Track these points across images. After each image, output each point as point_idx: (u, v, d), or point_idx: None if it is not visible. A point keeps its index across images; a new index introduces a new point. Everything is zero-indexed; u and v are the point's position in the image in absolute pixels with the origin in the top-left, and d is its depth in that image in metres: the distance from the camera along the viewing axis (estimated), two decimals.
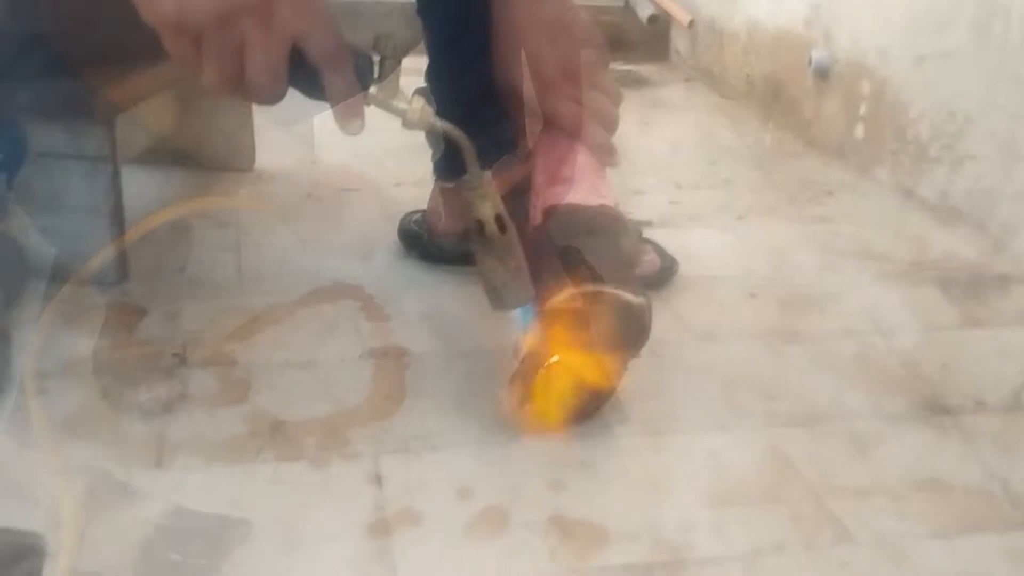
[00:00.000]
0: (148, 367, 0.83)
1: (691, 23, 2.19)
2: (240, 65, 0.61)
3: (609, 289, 0.73)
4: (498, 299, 0.75)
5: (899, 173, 1.45)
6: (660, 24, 2.29)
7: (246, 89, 0.62)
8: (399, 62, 0.67)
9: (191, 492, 0.68)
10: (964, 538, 0.68)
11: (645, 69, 2.27)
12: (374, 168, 1.39)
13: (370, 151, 1.48)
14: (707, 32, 2.16)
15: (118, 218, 0.96)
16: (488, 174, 0.73)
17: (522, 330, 0.75)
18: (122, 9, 0.78)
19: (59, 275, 0.95)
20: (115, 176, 0.94)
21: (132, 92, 1.00)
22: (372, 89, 0.67)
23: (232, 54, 0.60)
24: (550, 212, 0.80)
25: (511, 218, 0.75)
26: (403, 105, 0.68)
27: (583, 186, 0.80)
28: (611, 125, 0.83)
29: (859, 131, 1.56)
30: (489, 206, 0.73)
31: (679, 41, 2.32)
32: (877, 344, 0.96)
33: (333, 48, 0.63)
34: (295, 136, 1.41)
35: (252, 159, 1.35)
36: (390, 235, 1.12)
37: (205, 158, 1.33)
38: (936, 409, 0.85)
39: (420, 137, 1.03)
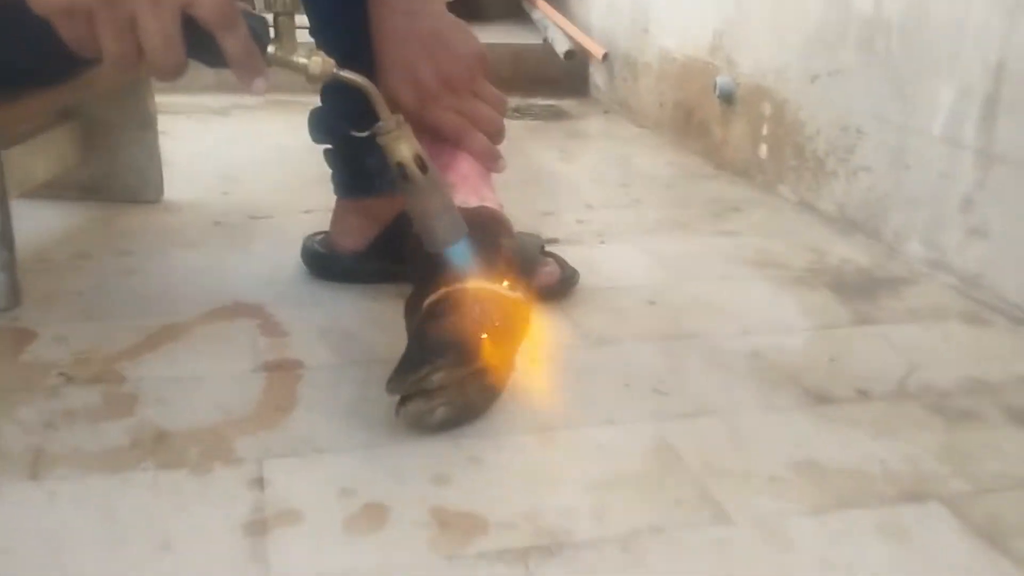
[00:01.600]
0: (32, 387, 0.82)
1: (605, 56, 2.24)
2: (135, 39, 0.61)
3: (482, 283, 0.74)
4: (433, 238, 0.75)
5: (800, 188, 1.50)
6: (577, 59, 2.34)
7: (146, 62, 0.63)
8: (292, 18, 0.68)
9: (64, 501, 0.67)
10: (839, 514, 0.70)
11: (566, 103, 2.32)
12: (284, 196, 1.40)
13: (282, 181, 1.49)
14: (622, 65, 2.21)
15: (7, 243, 0.95)
16: (400, 117, 0.73)
17: (459, 267, 0.75)
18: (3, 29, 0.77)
19: None
20: (2, 200, 0.93)
21: (22, 118, 0.99)
22: (270, 48, 0.68)
23: (125, 29, 0.60)
24: None
25: (403, 226, 0.76)
26: (303, 60, 0.69)
27: (463, 190, 0.81)
28: (494, 131, 0.85)
29: (763, 151, 1.61)
30: (407, 147, 0.73)
31: (597, 75, 2.38)
32: (769, 343, 0.98)
33: (224, 12, 0.63)
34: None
35: (160, 191, 1.35)
36: (296, 258, 1.12)
37: (111, 191, 1.33)
38: (821, 400, 0.87)
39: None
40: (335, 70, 0.70)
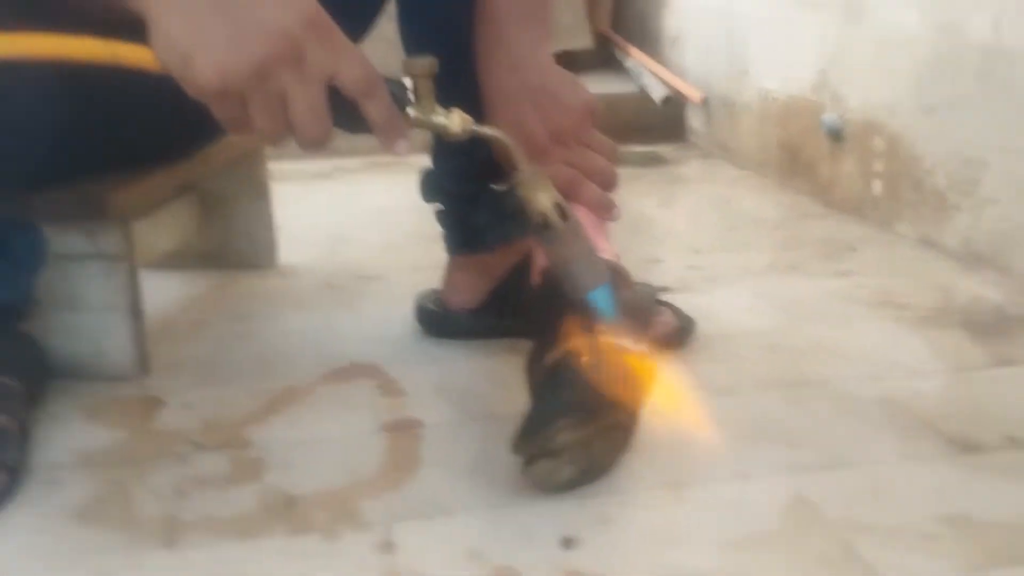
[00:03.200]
0: (163, 454, 0.84)
1: (703, 100, 2.22)
2: (285, 113, 0.63)
3: (603, 339, 0.72)
4: (575, 285, 0.74)
5: (920, 224, 1.44)
6: (674, 104, 2.33)
7: (295, 134, 0.64)
8: (429, 81, 0.69)
9: (199, 569, 0.67)
10: (997, 572, 0.65)
11: (663, 148, 2.30)
12: (392, 255, 1.42)
13: (389, 241, 1.51)
14: (720, 108, 2.19)
15: (137, 314, 0.98)
16: (538, 167, 0.73)
17: (601, 314, 0.73)
18: (140, 110, 0.81)
19: (79, 372, 0.97)
20: (132, 273, 0.97)
21: (146, 194, 1.03)
22: (409, 110, 0.69)
23: (275, 105, 0.62)
24: (546, 271, 0.80)
25: (516, 282, 0.75)
26: (442, 119, 0.70)
27: None
28: (607, 181, 0.84)
29: (876, 187, 1.55)
30: (546, 196, 0.72)
31: (694, 119, 2.36)
32: (902, 388, 0.94)
33: (366, 79, 0.65)
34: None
35: (273, 256, 1.38)
36: (408, 316, 1.13)
37: (228, 258, 1.36)
38: (966, 448, 0.82)
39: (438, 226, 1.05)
40: (473, 126, 0.71)
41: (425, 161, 1.04)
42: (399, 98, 0.68)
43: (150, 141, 0.92)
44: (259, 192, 1.35)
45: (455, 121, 0.69)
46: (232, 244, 1.36)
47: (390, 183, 1.88)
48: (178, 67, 0.61)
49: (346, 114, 0.65)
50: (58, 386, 0.95)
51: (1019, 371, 0.98)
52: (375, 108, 0.65)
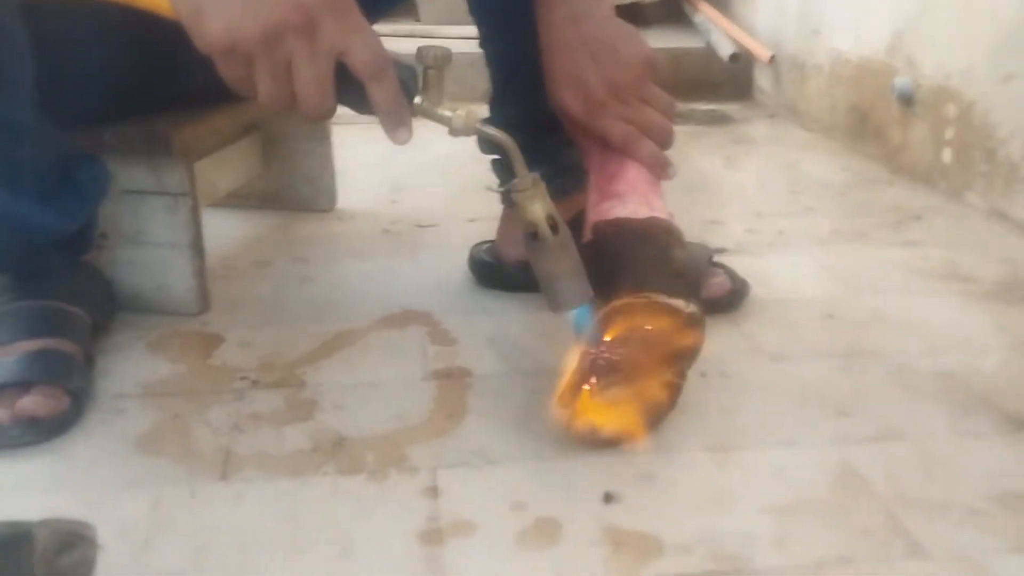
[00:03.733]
0: (221, 390, 0.86)
1: (772, 59, 2.17)
2: (290, 83, 0.63)
3: (655, 296, 0.72)
4: (555, 301, 0.74)
5: (991, 195, 1.40)
6: (742, 62, 2.28)
7: (298, 105, 0.65)
8: (442, 71, 0.69)
9: (251, 503, 0.69)
10: None
11: (729, 107, 2.26)
12: (451, 205, 1.42)
13: (448, 190, 1.52)
14: (789, 67, 2.14)
15: (198, 251, 1.00)
16: (537, 176, 0.73)
17: (581, 332, 0.74)
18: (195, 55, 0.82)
19: (143, 305, 1.00)
20: (195, 210, 0.99)
21: (210, 133, 1.05)
22: (417, 99, 0.69)
23: (281, 73, 0.63)
24: (597, 228, 0.80)
25: (575, 240, 0.76)
26: (448, 113, 0.70)
27: (632, 200, 0.80)
28: (664, 138, 0.83)
29: (947, 156, 1.51)
30: (540, 207, 0.73)
31: (762, 78, 2.31)
32: (961, 363, 0.92)
33: (376, 61, 0.65)
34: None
35: (333, 200, 1.40)
36: (462, 266, 1.14)
37: (288, 200, 1.38)
38: (1022, 426, 0.80)
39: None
40: (478, 125, 0.71)
41: (484, 111, 1.04)
42: (408, 85, 0.68)
43: (203, 85, 0.94)
44: (321, 136, 1.36)
45: (459, 117, 0.69)
46: (293, 186, 1.38)
47: None
48: (190, 18, 0.62)
49: (353, 93, 0.65)
50: (122, 318, 0.98)
51: None
52: (381, 92, 0.65)
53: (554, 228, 0.73)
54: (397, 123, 0.67)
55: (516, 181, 0.73)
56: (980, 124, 1.42)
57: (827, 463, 0.75)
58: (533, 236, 0.74)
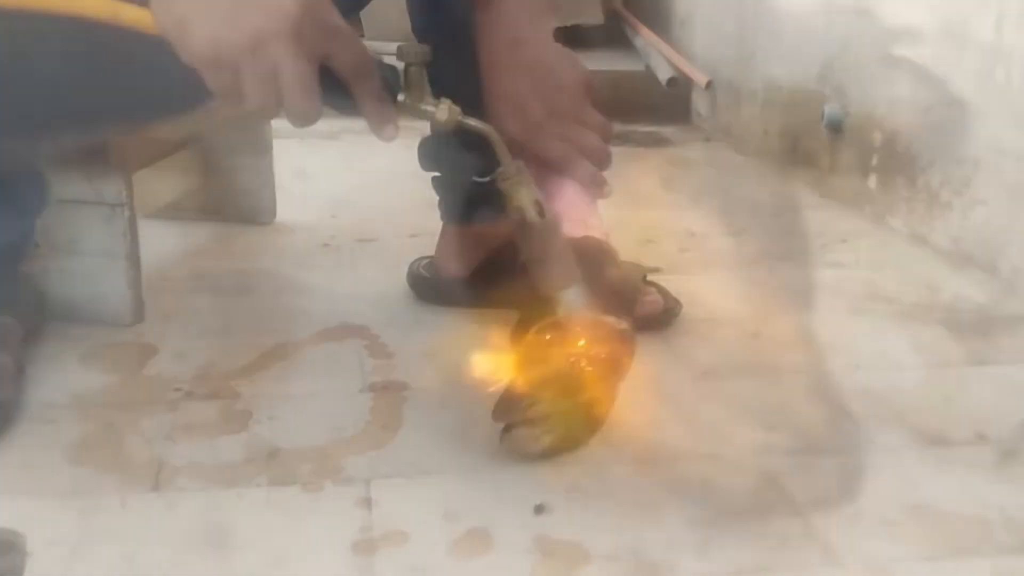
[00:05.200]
0: (154, 400, 0.86)
1: (709, 84, 2.23)
2: (276, 89, 0.64)
3: (586, 315, 0.74)
4: (546, 282, 0.76)
5: (912, 220, 1.46)
6: (680, 86, 2.33)
7: (284, 110, 0.66)
8: (423, 68, 0.70)
9: (183, 513, 0.69)
10: (954, 561, 0.67)
11: (667, 130, 2.31)
12: (391, 220, 1.43)
13: (389, 205, 1.53)
14: (725, 92, 2.19)
15: (134, 262, 1.00)
16: (521, 163, 0.75)
17: (570, 312, 0.75)
18: (141, 64, 0.82)
19: (76, 315, 0.99)
20: (132, 221, 0.98)
21: (149, 144, 1.05)
22: (400, 96, 0.70)
23: (267, 79, 0.63)
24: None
25: (508, 253, 0.77)
26: (431, 108, 0.71)
27: (569, 218, 0.82)
28: (600, 158, 0.85)
29: (872, 181, 1.57)
30: (526, 193, 0.74)
31: (699, 102, 2.36)
32: (880, 380, 0.96)
33: (359, 62, 0.66)
34: None
35: (273, 213, 1.40)
36: (401, 281, 1.15)
37: (228, 212, 1.38)
38: (935, 441, 0.84)
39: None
40: (460, 117, 0.72)
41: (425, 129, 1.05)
42: (390, 84, 0.69)
43: (151, 100, 0.94)
44: (261, 149, 1.36)
45: (443, 111, 0.71)
46: (232, 199, 1.38)
47: (394, 147, 1.88)
48: (174, 31, 0.62)
49: (337, 95, 0.67)
50: (55, 328, 0.97)
51: (994, 370, 1.00)
52: (365, 92, 0.67)
53: (541, 213, 0.75)
54: (383, 121, 0.68)
55: (501, 169, 0.74)
56: (903, 152, 1.48)
57: (749, 475, 0.77)
58: (521, 222, 0.75)
